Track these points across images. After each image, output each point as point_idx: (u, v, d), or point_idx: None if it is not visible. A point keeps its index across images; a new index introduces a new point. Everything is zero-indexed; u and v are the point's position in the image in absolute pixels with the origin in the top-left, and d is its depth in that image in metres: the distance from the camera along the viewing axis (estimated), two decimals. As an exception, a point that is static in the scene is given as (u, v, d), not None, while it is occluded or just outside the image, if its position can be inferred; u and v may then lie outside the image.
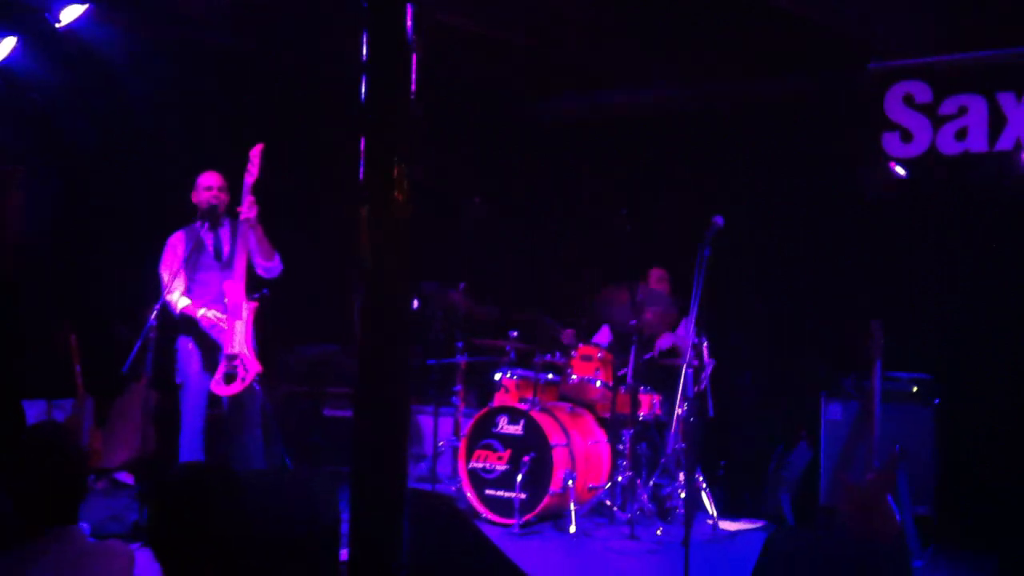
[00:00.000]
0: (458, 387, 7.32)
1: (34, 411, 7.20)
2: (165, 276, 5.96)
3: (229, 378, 5.80)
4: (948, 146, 6.55)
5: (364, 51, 3.08)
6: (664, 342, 7.24)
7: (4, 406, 6.99)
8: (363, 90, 3.09)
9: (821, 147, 7.46)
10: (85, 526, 2.88)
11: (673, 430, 6.22)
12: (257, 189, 5.93)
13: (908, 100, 6.69)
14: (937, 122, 6.60)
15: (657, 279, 7.43)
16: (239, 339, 5.81)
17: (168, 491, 2.50)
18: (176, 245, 6.04)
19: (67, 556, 2.71)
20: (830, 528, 6.05)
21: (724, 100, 7.99)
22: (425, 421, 7.54)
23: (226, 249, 6.04)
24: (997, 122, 6.40)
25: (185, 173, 6.11)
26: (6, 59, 6.40)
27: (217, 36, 6.73)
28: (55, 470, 2.75)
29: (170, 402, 6.11)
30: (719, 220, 5.75)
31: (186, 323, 5.95)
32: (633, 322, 6.75)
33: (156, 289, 5.93)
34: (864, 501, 5.99)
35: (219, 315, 5.86)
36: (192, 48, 6.98)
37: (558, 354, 7.00)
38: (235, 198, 6.01)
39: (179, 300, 5.91)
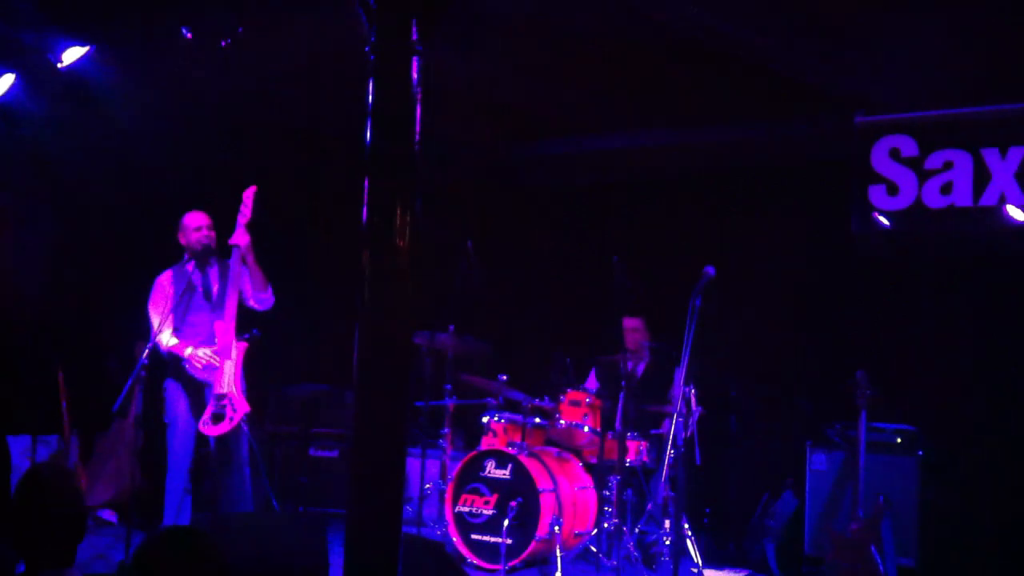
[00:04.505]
0: (446, 430, 7.28)
1: (19, 446, 7.15)
2: (155, 316, 5.93)
3: (217, 418, 5.78)
4: (934, 200, 6.64)
5: (370, 98, 3.15)
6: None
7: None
8: (368, 136, 3.15)
9: (808, 199, 7.57)
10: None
11: (662, 477, 6.23)
12: (250, 229, 5.96)
13: (894, 154, 6.80)
14: (923, 176, 6.70)
15: (631, 329, 7.27)
16: (228, 379, 5.80)
17: (141, 558, 2.51)
18: (165, 285, 6.02)
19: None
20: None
21: (711, 154, 8.08)
22: (412, 463, 7.49)
23: (215, 289, 6.03)
24: (981, 177, 6.49)
25: (180, 212, 6.14)
26: (3, 96, 6.43)
27: (218, 78, 6.77)
28: (56, 513, 2.74)
29: (157, 441, 6.09)
30: (710, 270, 5.70)
31: (174, 363, 5.94)
32: (629, 367, 6.74)
33: (147, 327, 5.94)
34: (848, 551, 6.02)
35: (208, 353, 5.86)
36: (191, 90, 7.02)
37: (547, 398, 7.01)
38: (222, 238, 6.03)
39: (168, 340, 5.90)
